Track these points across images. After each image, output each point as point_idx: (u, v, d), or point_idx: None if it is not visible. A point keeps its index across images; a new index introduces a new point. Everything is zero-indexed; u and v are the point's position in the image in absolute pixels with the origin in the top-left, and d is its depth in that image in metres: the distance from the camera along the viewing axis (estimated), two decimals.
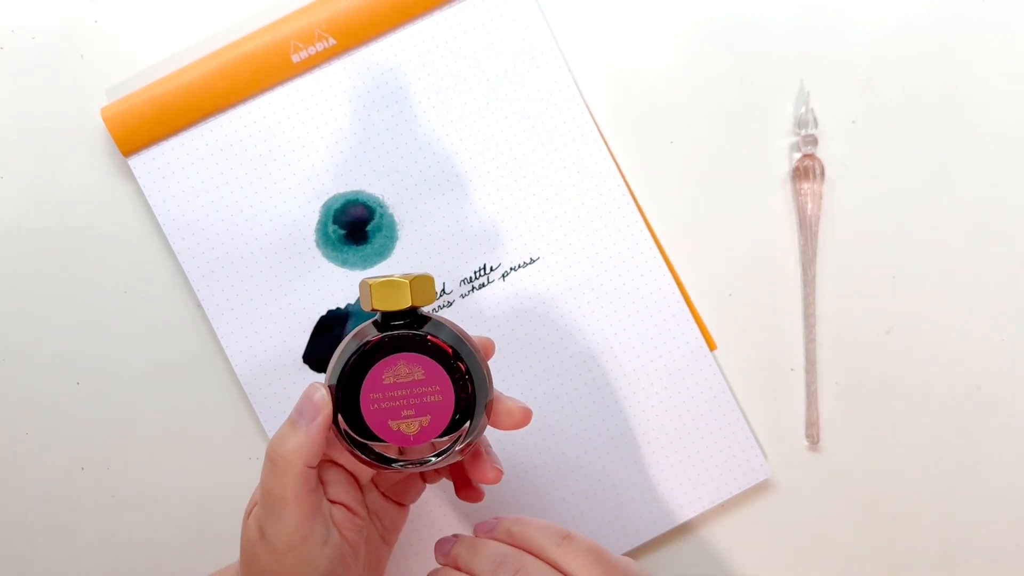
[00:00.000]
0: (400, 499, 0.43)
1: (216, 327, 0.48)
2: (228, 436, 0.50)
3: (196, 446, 0.50)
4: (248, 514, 0.38)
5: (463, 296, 0.49)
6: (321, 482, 0.38)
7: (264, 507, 0.36)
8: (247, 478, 0.50)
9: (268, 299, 0.49)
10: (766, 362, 0.50)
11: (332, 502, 0.38)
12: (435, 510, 0.50)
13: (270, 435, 0.49)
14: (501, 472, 0.39)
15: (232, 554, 0.48)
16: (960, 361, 0.49)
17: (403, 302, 0.35)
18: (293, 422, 0.36)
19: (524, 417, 0.38)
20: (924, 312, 0.49)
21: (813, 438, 0.49)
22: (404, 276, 0.36)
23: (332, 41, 0.48)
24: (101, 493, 0.50)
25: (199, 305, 0.49)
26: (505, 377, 0.49)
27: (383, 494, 0.42)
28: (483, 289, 0.49)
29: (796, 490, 0.50)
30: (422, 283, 0.36)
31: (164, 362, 0.50)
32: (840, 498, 0.50)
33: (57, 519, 0.50)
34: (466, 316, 0.49)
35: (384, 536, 0.42)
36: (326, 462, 0.39)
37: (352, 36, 0.48)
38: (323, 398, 0.36)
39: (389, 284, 0.35)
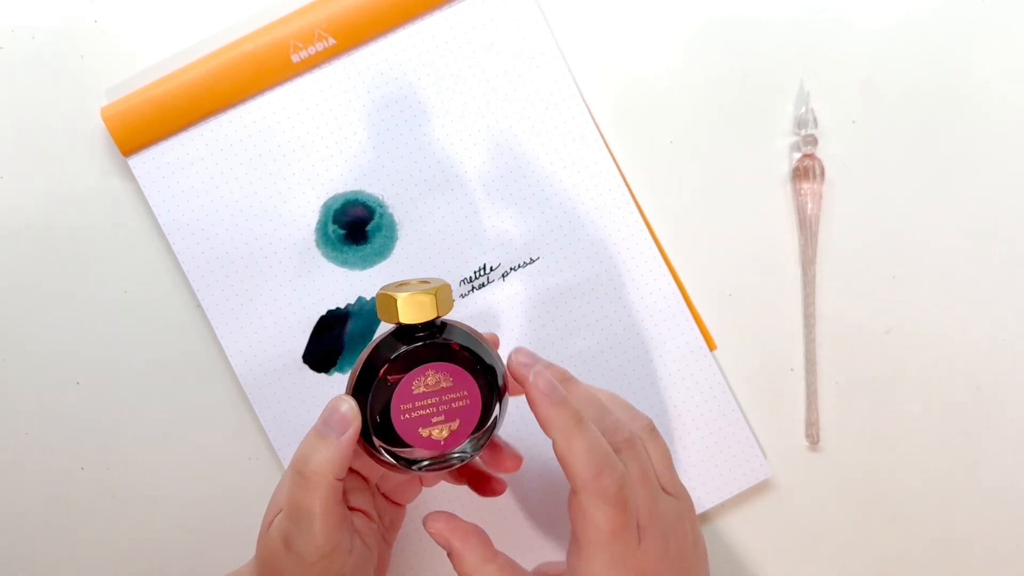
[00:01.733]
0: (399, 499, 0.43)
1: (216, 327, 0.48)
2: (228, 436, 0.50)
3: (196, 446, 0.50)
4: (268, 524, 0.38)
5: (463, 296, 0.49)
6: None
7: (292, 520, 0.36)
8: (247, 478, 0.50)
9: (268, 299, 0.49)
10: (766, 362, 0.50)
11: (352, 509, 0.38)
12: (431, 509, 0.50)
13: (270, 435, 0.49)
14: (521, 458, 0.40)
15: (232, 554, 0.48)
16: (960, 361, 0.49)
17: (429, 314, 0.35)
18: (322, 435, 0.35)
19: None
20: (924, 312, 0.49)
21: (813, 438, 0.49)
22: (427, 287, 0.36)
23: (332, 41, 0.48)
24: (101, 493, 0.50)
25: (199, 305, 0.49)
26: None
27: (383, 495, 0.42)
28: (483, 289, 0.49)
29: (796, 490, 0.50)
30: (444, 292, 0.36)
31: (164, 362, 0.50)
32: (840, 498, 0.50)
33: (57, 519, 0.50)
34: (466, 316, 0.49)
35: (385, 536, 0.42)
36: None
37: (352, 36, 0.48)
38: (352, 410, 0.35)
39: (415, 299, 0.35)
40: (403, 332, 0.36)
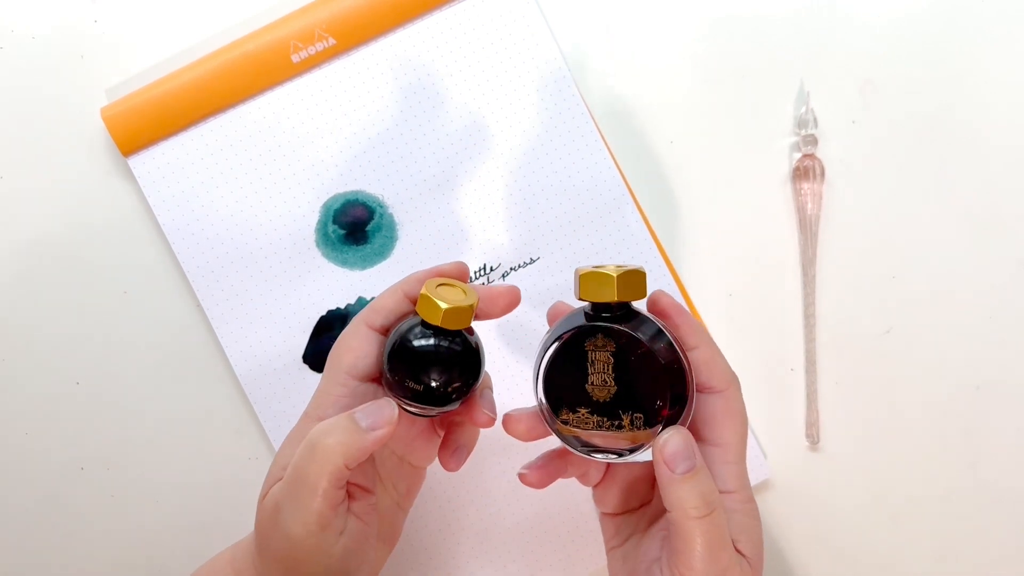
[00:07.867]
0: (417, 462, 0.42)
1: (216, 327, 0.48)
2: (228, 436, 0.50)
3: (196, 446, 0.50)
4: (265, 493, 0.37)
5: None
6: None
7: (290, 487, 0.36)
8: (247, 478, 0.50)
9: (268, 299, 0.49)
10: (766, 362, 0.50)
11: (354, 486, 0.38)
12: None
13: (270, 435, 0.49)
14: (493, 419, 0.39)
15: None
16: (959, 361, 0.49)
17: (610, 296, 0.36)
18: (357, 421, 0.36)
19: (513, 297, 0.40)
20: (924, 312, 0.49)
21: (813, 438, 0.49)
22: (617, 268, 0.36)
23: (332, 41, 0.48)
24: (101, 493, 0.50)
25: (199, 305, 0.49)
26: (505, 377, 0.49)
27: (399, 460, 0.41)
28: None
29: (796, 490, 0.50)
30: (632, 277, 0.36)
31: (164, 362, 0.50)
32: (840, 498, 0.50)
33: (57, 519, 0.50)
34: None
35: (400, 503, 0.42)
36: None
37: (352, 36, 0.48)
38: (393, 416, 0.36)
39: (596, 276, 0.36)
40: (593, 311, 0.37)
